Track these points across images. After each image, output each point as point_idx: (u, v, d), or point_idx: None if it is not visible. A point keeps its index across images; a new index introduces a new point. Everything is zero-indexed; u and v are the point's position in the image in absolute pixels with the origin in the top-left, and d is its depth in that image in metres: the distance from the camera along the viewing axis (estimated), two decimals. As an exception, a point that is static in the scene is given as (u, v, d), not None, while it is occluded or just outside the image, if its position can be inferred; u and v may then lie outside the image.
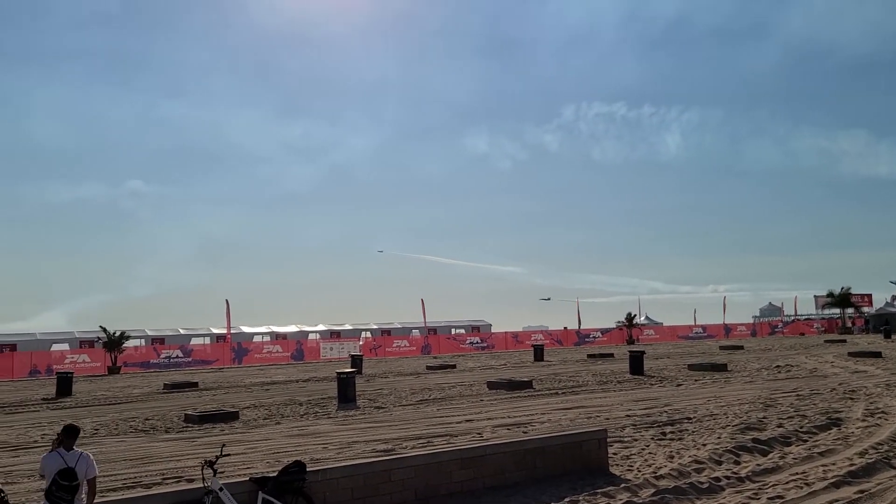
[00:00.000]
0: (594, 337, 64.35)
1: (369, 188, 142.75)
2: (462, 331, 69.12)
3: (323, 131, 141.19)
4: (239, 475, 10.54)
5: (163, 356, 45.12)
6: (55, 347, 50.08)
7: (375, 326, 68.98)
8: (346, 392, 21.98)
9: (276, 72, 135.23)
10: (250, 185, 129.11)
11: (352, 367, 29.88)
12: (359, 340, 56.54)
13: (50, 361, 41.37)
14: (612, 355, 41.96)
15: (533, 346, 45.97)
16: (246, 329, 61.56)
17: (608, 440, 11.74)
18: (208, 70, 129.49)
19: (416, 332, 63.54)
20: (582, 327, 68.94)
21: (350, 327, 67.21)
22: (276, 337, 60.54)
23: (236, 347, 48.43)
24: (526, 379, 26.02)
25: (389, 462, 9.75)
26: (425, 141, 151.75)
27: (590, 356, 42.33)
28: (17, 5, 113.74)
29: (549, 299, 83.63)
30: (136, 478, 11.46)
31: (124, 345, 43.89)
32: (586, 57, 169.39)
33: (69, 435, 6.80)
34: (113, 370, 41.51)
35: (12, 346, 48.93)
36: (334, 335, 62.70)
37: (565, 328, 67.59)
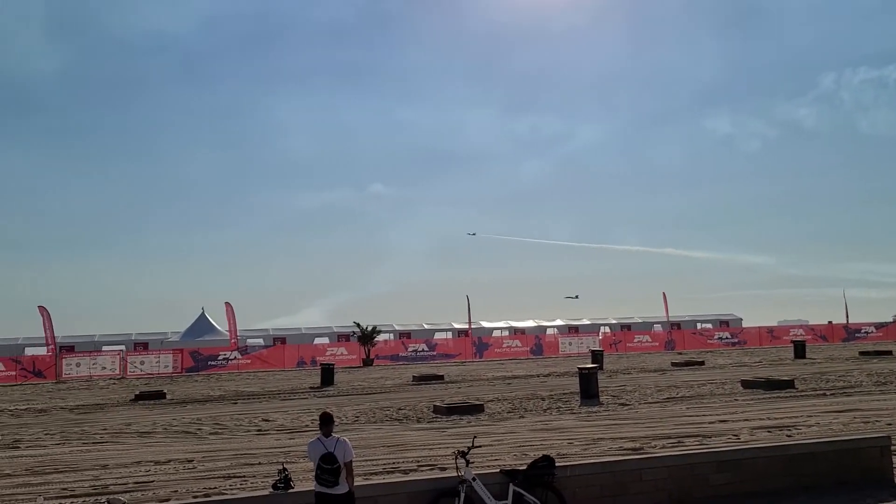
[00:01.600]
0: (867, 332, 57.38)
1: (602, 179, 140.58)
2: (709, 325, 65.40)
3: (552, 124, 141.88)
4: (488, 466, 10.98)
5: (410, 350, 48.32)
6: (317, 341, 55.94)
7: (615, 321, 67.82)
8: (589, 388, 21.87)
9: (504, 68, 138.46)
10: (483, 183, 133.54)
11: (593, 363, 29.64)
12: (598, 335, 55.94)
13: (314, 353, 46.25)
14: (890, 353, 37.23)
15: (793, 341, 42.13)
16: (485, 324, 63.80)
17: (892, 448, 10.44)
18: (440, 72, 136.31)
19: (657, 327, 61.39)
20: (850, 321, 61.80)
21: (588, 322, 66.77)
22: (515, 332, 61.99)
23: (477, 342, 50.39)
24: (786, 378, 23.98)
25: (640, 461, 9.56)
26: (661, 126, 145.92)
27: (862, 353, 37.94)
28: (261, 30, 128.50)
29: (577, 297, 72.05)
30: (393, 463, 12.43)
31: (376, 339, 47.71)
32: (846, 16, 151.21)
33: (325, 422, 7.57)
34: (367, 362, 45.32)
35: (283, 340, 55.47)
36: (572, 330, 62.70)
37: (830, 322, 61.04)
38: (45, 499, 10.58)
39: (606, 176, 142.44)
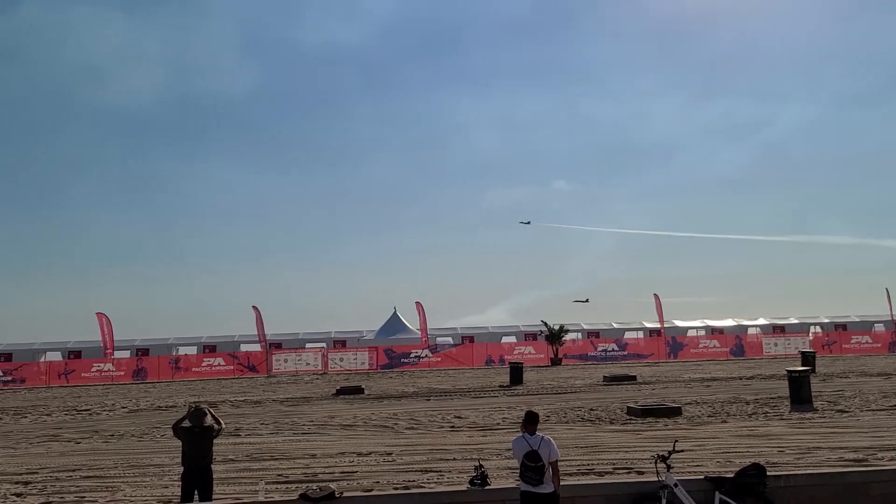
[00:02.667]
0: None
1: (807, 166, 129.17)
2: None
3: (748, 109, 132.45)
4: (690, 472, 10.51)
5: (599, 349, 47.49)
6: (504, 339, 56.61)
7: (826, 320, 62.15)
8: (800, 392, 20.23)
9: (691, 52, 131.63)
10: (671, 175, 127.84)
11: (803, 365, 27.39)
12: (808, 336, 51.57)
13: (501, 352, 46.90)
14: None
15: None
16: (679, 323, 61.13)
17: None
18: (622, 62, 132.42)
19: (879, 327, 55.41)
20: None
21: (795, 321, 61.74)
22: (712, 331, 58.81)
23: (670, 342, 48.43)
24: None
25: (867, 474, 8.69)
26: (878, 106, 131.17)
27: None
28: (438, 33, 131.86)
29: (586, 301, 62.63)
30: (588, 465, 12.27)
31: (564, 338, 47.40)
32: None
33: (530, 421, 7.60)
34: (555, 361, 45.14)
35: (471, 338, 56.74)
36: (777, 329, 58.32)
37: None
38: (265, 483, 11.62)
39: (811, 162, 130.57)
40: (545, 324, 47.80)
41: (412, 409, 22.04)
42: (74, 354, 54.66)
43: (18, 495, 11.77)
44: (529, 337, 55.26)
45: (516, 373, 31.68)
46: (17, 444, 17.83)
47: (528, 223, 74.50)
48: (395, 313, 53.13)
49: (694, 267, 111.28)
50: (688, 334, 56.01)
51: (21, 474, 13.53)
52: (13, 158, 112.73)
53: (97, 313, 47.43)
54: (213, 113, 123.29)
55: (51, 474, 13.40)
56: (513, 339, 57.17)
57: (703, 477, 8.35)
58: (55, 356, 55.96)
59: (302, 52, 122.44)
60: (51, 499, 11.40)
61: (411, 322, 52.59)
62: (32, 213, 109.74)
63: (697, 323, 63.05)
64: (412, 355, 45.81)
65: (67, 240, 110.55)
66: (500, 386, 30.06)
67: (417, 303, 50.33)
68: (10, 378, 41.64)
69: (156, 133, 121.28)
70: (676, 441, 9.46)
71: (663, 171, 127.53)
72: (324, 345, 54.18)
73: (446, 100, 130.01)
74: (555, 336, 46.75)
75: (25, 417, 24.14)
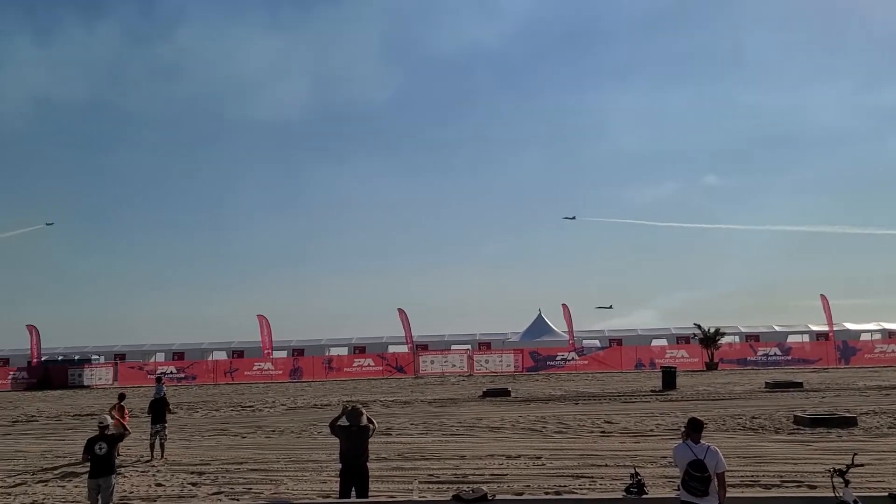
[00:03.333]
0: None
1: None
2: None
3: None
4: (869, 489, 9.70)
5: (759, 353, 44.84)
6: (654, 343, 54.79)
7: None
8: None
9: (860, 34, 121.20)
10: (836, 168, 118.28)
11: None
12: None
13: (652, 356, 45.41)
14: None
15: None
16: (851, 326, 56.58)
17: None
18: (778, 49, 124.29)
19: None
20: None
21: None
22: (889, 335, 53.94)
23: (841, 346, 44.88)
24: None
25: None
26: None
27: None
28: (576, 29, 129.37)
29: (610, 307, 61.30)
30: (753, 476, 11.60)
31: (719, 341, 45.17)
32: None
33: (694, 429, 7.28)
34: (710, 366, 43.11)
35: (619, 341, 55.41)
36: (969, 333, 52.59)
37: None
38: (419, 483, 11.91)
39: None
40: (698, 326, 45.75)
41: (560, 413, 21.81)
42: (238, 354, 58.72)
43: (194, 485, 12.80)
44: (681, 340, 53.12)
45: (669, 377, 30.54)
46: (190, 436, 19.37)
47: (573, 218, 72.05)
48: (539, 315, 52.82)
49: (865, 266, 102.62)
50: (861, 338, 51.71)
51: (195, 465, 14.71)
52: (178, 171, 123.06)
53: (258, 315, 50.65)
54: (356, 120, 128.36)
55: (221, 466, 14.46)
56: (663, 342, 55.23)
57: (886, 495, 7.66)
58: (221, 355, 60.45)
59: (440, 56, 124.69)
60: (222, 489, 12.29)
61: (556, 324, 52.12)
62: (198, 222, 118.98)
63: (872, 326, 58.11)
64: (558, 358, 45.37)
65: (229, 245, 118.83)
66: (652, 391, 29.11)
67: (563, 305, 49.89)
68: (183, 375, 45.37)
69: (303, 142, 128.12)
70: (855, 454, 8.73)
71: (828, 163, 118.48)
72: (469, 346, 54.86)
73: (588, 96, 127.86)
74: (709, 339, 44.65)
75: (197, 412, 26.18)
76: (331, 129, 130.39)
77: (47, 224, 71.49)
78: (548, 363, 44.84)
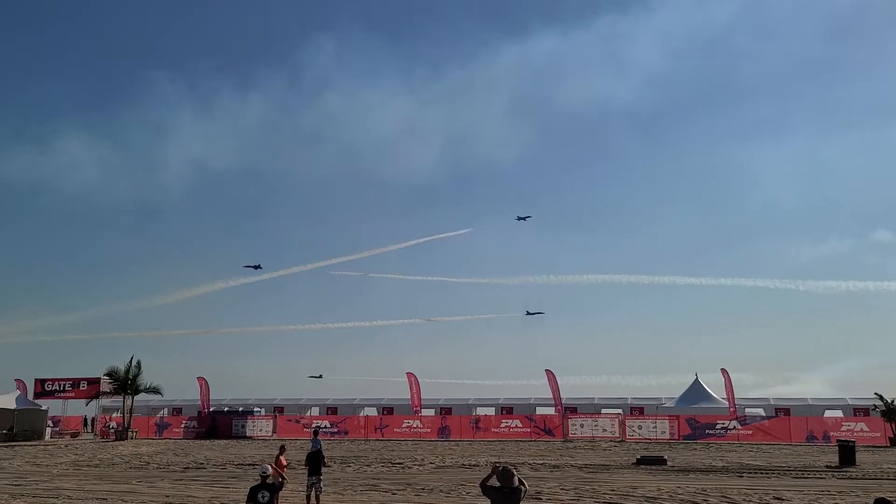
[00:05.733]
0: None
1: None
2: None
3: None
4: None
5: (954, 429, 39.90)
6: (827, 413, 50.20)
7: None
8: None
9: None
10: None
11: None
12: None
13: (825, 428, 41.63)
14: None
15: None
16: None
17: None
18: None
19: None
20: None
21: None
22: None
23: None
24: None
25: None
26: None
27: None
28: (716, 81, 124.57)
29: None
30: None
31: (905, 414, 40.72)
32: None
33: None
34: (894, 441, 38.89)
35: (786, 411, 51.29)
36: None
37: None
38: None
39: None
40: (880, 397, 41.59)
41: (723, 486, 20.34)
42: (387, 410, 59.89)
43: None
44: (859, 412, 48.41)
45: (847, 452, 27.76)
46: (343, 490, 19.80)
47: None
48: (696, 380, 50.22)
49: None
50: None
51: (348, 519, 14.95)
52: (319, 233, 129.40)
53: (407, 373, 51.64)
54: (485, 179, 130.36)
55: (373, 521, 14.60)
56: (838, 413, 50.46)
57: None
58: (371, 411, 61.91)
59: (569, 112, 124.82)
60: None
61: (714, 390, 49.20)
62: (344, 281, 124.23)
63: None
64: (718, 426, 42.63)
65: (377, 304, 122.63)
66: (827, 466, 26.54)
67: (723, 370, 47.10)
68: (336, 430, 46.79)
69: (435, 199, 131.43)
70: None
71: None
72: (620, 411, 52.78)
73: (733, 150, 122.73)
74: (892, 412, 40.39)
75: (350, 466, 26.80)
76: (462, 188, 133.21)
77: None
78: (706, 431, 42.24)
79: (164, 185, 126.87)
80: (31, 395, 51.99)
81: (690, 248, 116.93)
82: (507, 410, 57.21)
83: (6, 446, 39.14)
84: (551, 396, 51.29)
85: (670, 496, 18.39)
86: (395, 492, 19.52)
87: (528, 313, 69.25)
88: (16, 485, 21.41)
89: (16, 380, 57.09)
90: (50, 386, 51.81)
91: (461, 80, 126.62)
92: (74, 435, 52.27)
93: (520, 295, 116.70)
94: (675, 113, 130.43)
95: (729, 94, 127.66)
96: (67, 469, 26.92)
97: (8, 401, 48.99)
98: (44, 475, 24.62)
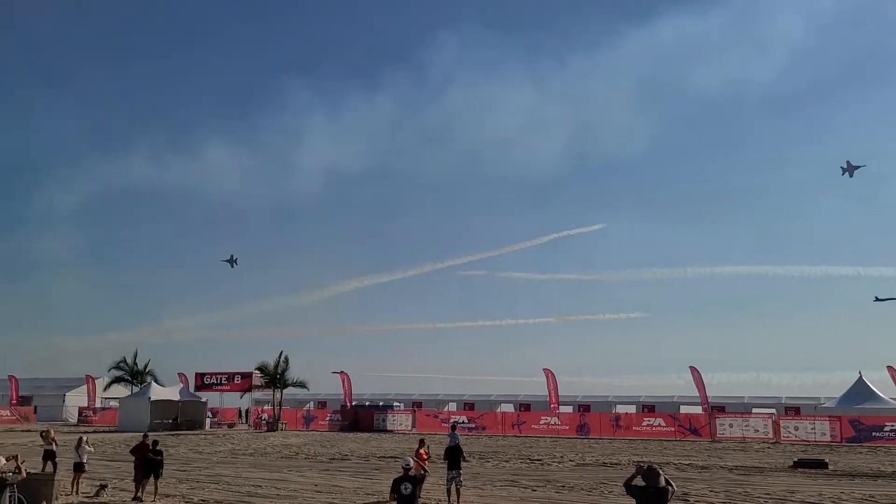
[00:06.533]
0: None
1: None
2: None
3: None
4: None
5: None
6: None
7: None
8: None
9: None
10: None
11: None
12: None
13: None
14: None
15: None
16: None
17: None
18: None
19: None
20: None
21: None
22: None
23: None
24: None
25: None
26: None
27: None
28: (870, 55, 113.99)
29: None
30: None
31: None
32: None
33: None
34: None
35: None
36: None
37: None
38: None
39: None
40: None
41: (893, 493, 18.75)
42: (524, 407, 59.92)
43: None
44: None
45: None
46: (483, 485, 19.96)
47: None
48: (860, 378, 46.59)
49: None
50: None
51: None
52: (446, 232, 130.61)
53: (544, 369, 51.35)
54: (613, 172, 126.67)
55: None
56: None
57: None
58: (508, 408, 62.15)
59: (702, 97, 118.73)
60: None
61: (882, 389, 45.47)
62: (473, 280, 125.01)
63: None
64: (886, 429, 39.34)
65: (507, 302, 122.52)
66: None
67: (889, 368, 43.43)
68: (473, 425, 47.28)
69: (560, 195, 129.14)
70: None
71: None
72: (773, 411, 49.99)
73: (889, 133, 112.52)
74: None
75: (488, 462, 26.99)
76: (588, 182, 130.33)
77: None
78: (873, 434, 39.08)
79: (298, 189, 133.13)
80: (192, 388, 56.17)
81: (844, 237, 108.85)
82: (648, 408, 55.71)
83: (172, 435, 42.45)
84: (696, 394, 49.34)
85: (833, 502, 17.18)
86: (535, 488, 19.45)
87: (878, 299, 63.29)
88: (182, 470, 23.17)
89: (178, 374, 61.96)
90: (208, 380, 55.74)
91: (586, 69, 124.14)
92: (231, 425, 55.94)
93: (656, 290, 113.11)
94: (821, 93, 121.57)
95: (881, 71, 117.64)
96: (225, 457, 28.85)
97: (172, 393, 53.18)
98: (205, 462, 26.50)
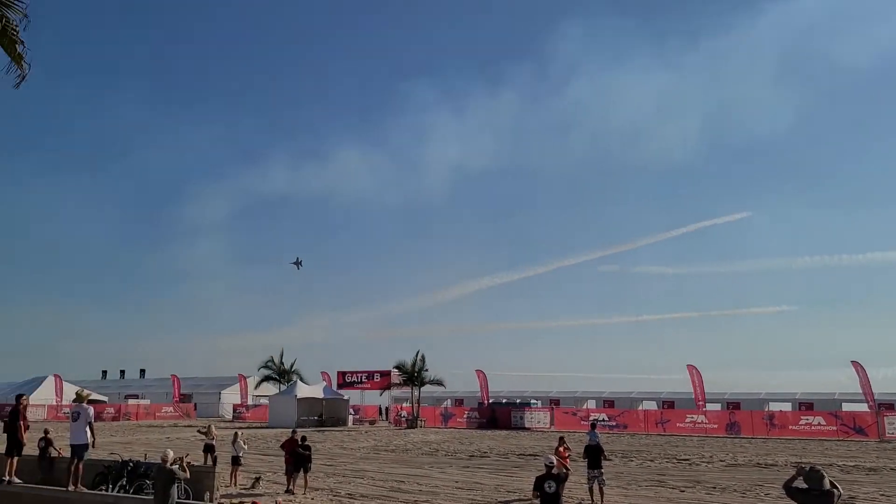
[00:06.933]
0: None
1: None
2: None
3: None
4: None
5: None
6: None
7: None
8: None
9: None
10: None
11: None
12: None
13: None
14: None
15: None
16: None
17: None
18: None
19: None
20: None
21: None
22: None
23: None
24: None
25: None
26: None
27: None
28: None
29: None
30: None
31: None
32: None
33: None
34: None
35: None
36: None
37: None
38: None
39: None
40: None
41: None
42: (668, 404, 57.97)
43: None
44: None
45: None
46: (627, 484, 19.43)
47: None
48: None
49: None
50: None
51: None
52: (577, 224, 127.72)
53: (688, 366, 49.47)
54: (753, 155, 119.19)
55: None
56: None
57: None
58: (650, 405, 60.32)
59: (851, 69, 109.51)
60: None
61: None
62: (606, 275, 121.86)
63: None
64: None
65: (643, 297, 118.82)
66: None
67: None
68: (614, 423, 46.22)
69: (696, 183, 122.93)
70: None
71: None
72: (953, 408, 45.64)
73: None
74: None
75: (631, 461, 26.27)
76: (726, 167, 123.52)
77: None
78: None
79: (428, 188, 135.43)
80: (334, 386, 58.45)
81: None
82: (806, 406, 52.36)
83: (318, 431, 44.33)
84: (859, 391, 45.84)
85: None
86: (684, 489, 18.70)
87: None
88: (328, 465, 24.12)
89: (321, 372, 64.68)
90: (349, 378, 57.80)
91: (720, 48, 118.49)
92: (372, 422, 57.75)
93: (807, 280, 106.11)
94: None
95: None
96: (368, 453, 29.76)
97: (317, 391, 55.54)
98: (349, 457, 27.46)
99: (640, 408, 57.47)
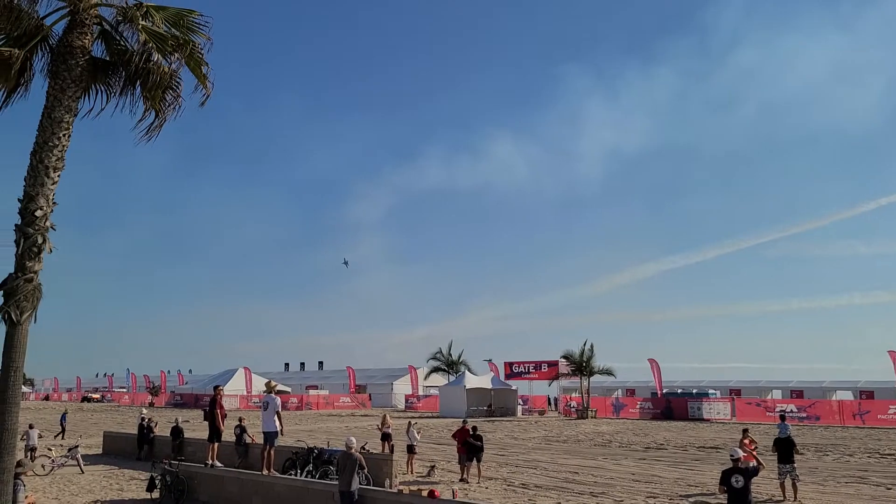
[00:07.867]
0: None
1: None
2: None
3: None
4: None
5: None
6: None
7: None
8: None
9: None
10: None
11: None
12: None
13: None
14: None
15: None
16: None
17: None
18: None
19: None
20: None
21: None
22: None
23: None
24: None
25: None
26: None
27: None
28: None
29: None
30: None
31: None
32: None
33: None
34: None
35: None
36: None
37: None
38: None
39: None
40: None
41: None
42: (866, 394, 53.46)
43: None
44: None
45: None
46: (824, 481, 18.10)
47: None
48: None
49: None
50: None
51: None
52: (750, 204, 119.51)
53: (890, 352, 45.36)
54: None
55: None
56: None
57: None
58: (845, 395, 55.82)
59: None
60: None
61: None
62: (781, 256, 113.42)
63: None
64: None
65: (822, 279, 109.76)
66: None
67: None
68: (804, 415, 43.21)
69: (880, 153, 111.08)
70: None
71: None
72: None
73: None
74: None
75: (827, 455, 24.44)
76: None
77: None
78: None
79: (583, 176, 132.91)
80: (502, 377, 58.96)
81: None
82: None
83: (488, 421, 44.92)
84: None
85: None
86: (890, 486, 17.13)
87: None
88: (500, 455, 24.39)
89: (488, 362, 65.47)
90: (517, 368, 58.08)
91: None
92: (541, 413, 57.69)
93: None
94: None
95: None
96: (539, 443, 29.77)
97: (485, 381, 56.29)
98: (521, 447, 27.60)
99: (833, 398, 53.34)
